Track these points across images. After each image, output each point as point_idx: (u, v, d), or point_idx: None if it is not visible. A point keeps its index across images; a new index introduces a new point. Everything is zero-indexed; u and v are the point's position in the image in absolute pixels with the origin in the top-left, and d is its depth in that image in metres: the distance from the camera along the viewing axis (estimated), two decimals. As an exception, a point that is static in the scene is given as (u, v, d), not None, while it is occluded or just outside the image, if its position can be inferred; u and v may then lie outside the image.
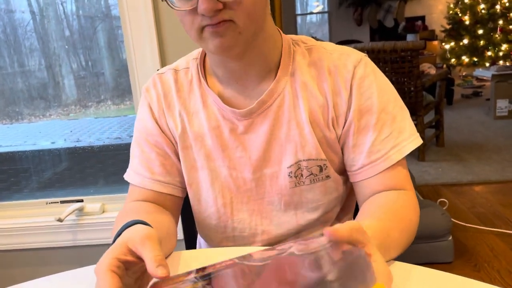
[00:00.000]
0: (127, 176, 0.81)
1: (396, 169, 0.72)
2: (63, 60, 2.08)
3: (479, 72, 5.23)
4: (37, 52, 2.11)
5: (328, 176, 0.76)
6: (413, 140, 0.73)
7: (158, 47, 1.51)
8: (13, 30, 2.05)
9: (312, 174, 0.75)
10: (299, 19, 7.96)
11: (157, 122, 0.79)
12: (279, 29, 0.77)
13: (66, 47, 2.06)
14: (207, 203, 0.80)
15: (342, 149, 0.76)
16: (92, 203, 1.76)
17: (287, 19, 6.83)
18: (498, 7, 5.48)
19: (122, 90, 2.19)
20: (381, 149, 0.72)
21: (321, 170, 0.75)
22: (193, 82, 0.78)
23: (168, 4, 0.63)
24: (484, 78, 5.49)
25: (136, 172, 0.79)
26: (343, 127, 0.74)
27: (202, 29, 0.64)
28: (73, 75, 2.14)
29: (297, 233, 0.81)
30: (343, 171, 0.79)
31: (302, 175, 0.75)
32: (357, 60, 0.74)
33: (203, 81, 0.77)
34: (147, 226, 0.56)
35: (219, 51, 0.66)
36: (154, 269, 0.46)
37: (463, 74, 6.35)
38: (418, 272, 0.58)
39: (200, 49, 0.80)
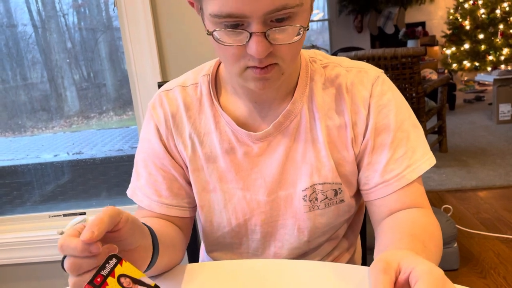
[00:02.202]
0: (134, 196, 0.78)
1: (412, 187, 0.71)
2: (65, 72, 2.09)
3: (480, 76, 5.22)
4: (39, 64, 2.12)
5: (342, 200, 0.75)
6: (427, 159, 0.72)
7: (158, 59, 1.51)
8: (15, 43, 2.06)
9: (327, 198, 0.74)
10: (299, 27, 7.98)
11: (164, 145, 0.76)
12: None
13: (68, 60, 2.07)
14: (220, 224, 0.78)
15: (358, 167, 0.75)
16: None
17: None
18: (498, 11, 5.48)
19: (124, 101, 2.19)
20: (395, 169, 0.70)
21: (336, 194, 0.74)
22: (203, 100, 0.75)
23: (214, 39, 0.60)
24: (486, 82, 5.48)
25: (144, 194, 0.77)
26: (361, 146, 0.73)
27: (245, 68, 0.62)
28: (75, 86, 2.15)
29: (305, 254, 0.81)
30: (357, 194, 0.78)
31: (316, 199, 0.73)
32: (375, 77, 0.73)
33: (215, 102, 0.74)
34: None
35: (260, 90, 0.65)
36: (84, 232, 0.48)
37: (465, 79, 6.35)
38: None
39: (212, 65, 0.78)
